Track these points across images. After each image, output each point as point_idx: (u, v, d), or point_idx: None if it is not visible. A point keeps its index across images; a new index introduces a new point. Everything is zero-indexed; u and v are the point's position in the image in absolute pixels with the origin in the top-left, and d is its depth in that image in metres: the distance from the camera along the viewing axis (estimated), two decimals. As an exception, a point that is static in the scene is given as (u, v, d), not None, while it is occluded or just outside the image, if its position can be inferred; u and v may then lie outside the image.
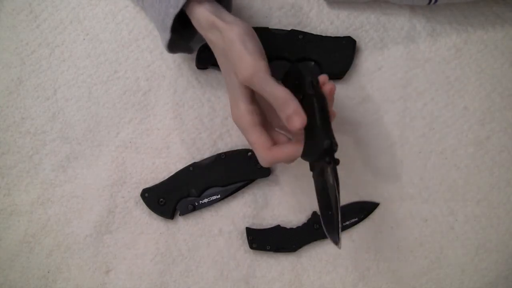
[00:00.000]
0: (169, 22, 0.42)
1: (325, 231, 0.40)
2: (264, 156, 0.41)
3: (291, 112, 0.38)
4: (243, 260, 0.53)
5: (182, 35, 0.48)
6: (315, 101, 0.38)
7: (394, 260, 0.52)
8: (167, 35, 0.44)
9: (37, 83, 0.55)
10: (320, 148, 0.37)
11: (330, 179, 0.39)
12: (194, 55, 0.53)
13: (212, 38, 0.42)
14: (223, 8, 0.43)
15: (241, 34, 0.40)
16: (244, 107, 0.41)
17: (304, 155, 0.40)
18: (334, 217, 0.39)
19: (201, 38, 0.49)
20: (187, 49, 0.49)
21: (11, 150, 0.54)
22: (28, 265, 0.54)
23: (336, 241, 0.39)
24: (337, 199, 0.39)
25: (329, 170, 0.39)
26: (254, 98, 0.42)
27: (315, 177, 0.41)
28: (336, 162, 0.38)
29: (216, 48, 0.42)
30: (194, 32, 0.47)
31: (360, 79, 0.53)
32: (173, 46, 0.46)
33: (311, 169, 0.41)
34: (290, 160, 0.41)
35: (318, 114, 0.38)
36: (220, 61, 0.43)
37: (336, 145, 0.38)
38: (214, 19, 0.41)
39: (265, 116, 0.44)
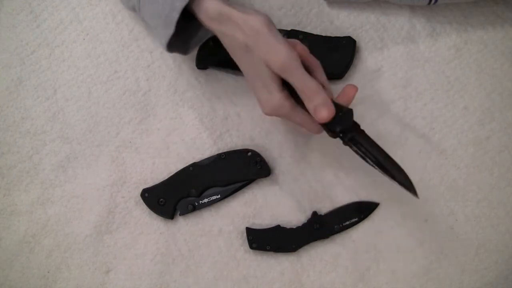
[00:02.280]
0: (175, 15, 0.41)
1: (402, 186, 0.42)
2: (315, 127, 0.43)
3: (320, 103, 0.40)
4: (243, 260, 0.53)
5: (181, 34, 0.47)
6: None
7: (394, 260, 0.52)
8: (170, 30, 0.42)
9: (37, 83, 0.55)
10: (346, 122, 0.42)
11: (364, 142, 0.42)
12: (194, 55, 0.53)
13: (226, 31, 0.41)
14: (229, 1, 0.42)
15: (267, 23, 0.40)
16: (280, 95, 0.41)
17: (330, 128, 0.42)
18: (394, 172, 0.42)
19: (199, 38, 0.48)
20: (183, 49, 0.49)
21: (11, 150, 0.54)
22: (28, 265, 0.54)
23: (412, 190, 0.42)
24: (381, 155, 0.42)
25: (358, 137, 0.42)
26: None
27: (354, 149, 0.43)
28: (357, 126, 0.42)
29: (232, 40, 0.41)
30: (194, 31, 0.47)
31: (360, 79, 0.53)
32: (172, 44, 0.45)
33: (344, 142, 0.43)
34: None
35: None
36: (237, 54, 0.42)
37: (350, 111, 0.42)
38: (229, 10, 0.40)
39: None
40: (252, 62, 0.41)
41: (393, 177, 0.42)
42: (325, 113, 0.40)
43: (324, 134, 0.44)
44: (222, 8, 0.40)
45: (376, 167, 0.42)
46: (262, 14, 0.40)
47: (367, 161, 0.43)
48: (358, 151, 0.42)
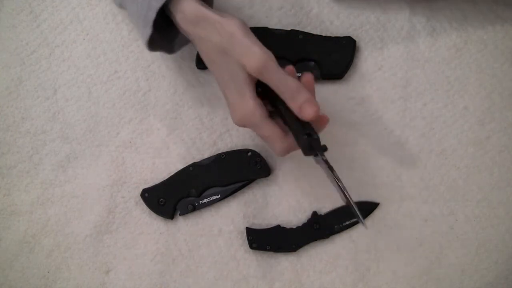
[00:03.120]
0: (152, 15, 0.41)
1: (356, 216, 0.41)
2: (282, 146, 0.41)
3: (304, 101, 0.39)
4: (243, 260, 0.53)
5: (163, 34, 0.46)
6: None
7: (394, 260, 0.52)
8: (148, 30, 0.42)
9: (37, 83, 0.55)
10: (303, 145, 0.39)
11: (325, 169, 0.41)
12: (194, 55, 0.53)
13: (201, 33, 0.40)
14: (207, 5, 0.42)
15: (242, 27, 0.40)
16: (253, 102, 0.40)
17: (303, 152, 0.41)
18: (348, 202, 0.41)
19: (182, 39, 0.48)
20: (167, 49, 0.47)
21: (11, 150, 0.54)
22: (28, 265, 0.54)
23: (362, 222, 0.41)
24: (338, 184, 0.40)
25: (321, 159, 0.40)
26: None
27: (324, 170, 0.42)
28: (323, 149, 0.40)
29: (208, 43, 0.41)
30: (176, 31, 0.46)
31: (360, 79, 0.53)
32: (154, 44, 0.45)
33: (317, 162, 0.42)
34: None
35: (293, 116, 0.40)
36: (212, 57, 0.41)
37: (316, 136, 0.39)
38: (205, 12, 0.40)
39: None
40: (227, 66, 0.40)
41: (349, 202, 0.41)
42: (311, 110, 0.38)
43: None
44: (199, 11, 0.40)
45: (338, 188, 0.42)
46: (237, 18, 0.40)
47: (332, 180, 0.42)
48: (328, 172, 0.42)
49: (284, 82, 0.39)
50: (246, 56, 0.39)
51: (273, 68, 0.39)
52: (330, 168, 0.41)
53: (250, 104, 0.40)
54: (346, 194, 0.41)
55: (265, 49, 0.39)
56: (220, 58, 0.41)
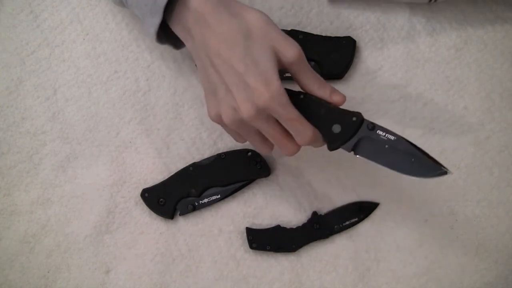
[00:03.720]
0: (163, 1, 0.39)
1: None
2: (310, 128, 0.40)
3: (331, 89, 0.41)
4: (243, 260, 0.53)
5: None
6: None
7: (394, 260, 0.52)
8: (158, 19, 0.40)
9: (37, 83, 0.55)
10: (353, 122, 0.41)
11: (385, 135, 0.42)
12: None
13: (222, 17, 0.39)
14: None
15: (269, 18, 0.40)
16: (280, 82, 0.38)
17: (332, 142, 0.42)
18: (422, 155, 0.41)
19: None
20: (175, 42, 0.45)
21: (11, 150, 0.54)
22: (28, 265, 0.54)
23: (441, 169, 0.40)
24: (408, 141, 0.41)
25: (378, 131, 0.41)
26: None
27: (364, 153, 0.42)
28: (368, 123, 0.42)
29: (225, 28, 0.39)
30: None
31: (360, 79, 0.53)
32: (162, 35, 0.43)
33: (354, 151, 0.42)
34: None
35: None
36: (227, 43, 0.39)
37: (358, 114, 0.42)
38: (230, 0, 0.39)
39: None
40: (251, 50, 0.38)
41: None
42: (340, 95, 0.42)
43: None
44: None
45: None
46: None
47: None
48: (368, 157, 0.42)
49: (313, 73, 0.41)
50: (286, 45, 0.39)
51: (305, 59, 0.41)
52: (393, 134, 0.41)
53: (277, 84, 0.38)
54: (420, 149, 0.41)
55: None
56: (243, 42, 0.38)
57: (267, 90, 0.38)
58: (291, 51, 0.39)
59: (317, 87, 0.41)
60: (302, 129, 0.40)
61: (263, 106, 0.38)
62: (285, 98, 0.39)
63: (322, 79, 0.42)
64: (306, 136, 0.40)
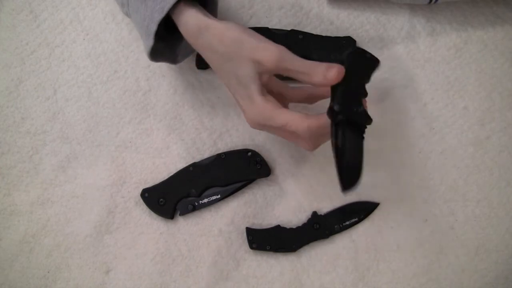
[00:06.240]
0: (153, 27, 0.41)
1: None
2: (304, 125, 0.39)
3: (325, 68, 0.39)
4: (243, 260, 0.53)
5: (167, 42, 0.46)
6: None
7: (394, 260, 0.52)
8: (150, 42, 0.42)
9: (37, 83, 0.55)
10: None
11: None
12: (194, 55, 0.53)
13: (204, 43, 0.41)
14: (210, 14, 0.42)
15: (244, 30, 0.40)
16: (261, 97, 0.40)
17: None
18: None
19: (186, 49, 0.48)
20: (171, 59, 0.48)
21: (11, 150, 0.54)
22: (28, 265, 0.54)
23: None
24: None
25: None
26: (265, 91, 0.42)
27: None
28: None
29: (212, 53, 0.41)
30: (178, 42, 0.46)
31: (360, 79, 0.53)
32: (157, 54, 0.45)
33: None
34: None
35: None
36: (218, 66, 0.42)
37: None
38: (207, 21, 0.40)
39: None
40: (234, 71, 0.40)
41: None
42: (334, 70, 0.38)
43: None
44: (201, 20, 0.40)
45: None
46: (237, 23, 0.41)
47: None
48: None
49: (302, 64, 0.40)
50: (261, 52, 0.39)
51: (289, 55, 0.40)
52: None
53: (258, 99, 0.40)
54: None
55: (274, 43, 0.40)
56: (227, 66, 0.41)
57: (252, 109, 0.41)
58: (268, 56, 0.39)
59: (310, 74, 0.39)
60: (296, 129, 0.40)
61: (257, 123, 0.41)
62: (268, 110, 0.40)
63: (311, 64, 0.40)
64: (301, 131, 0.40)
